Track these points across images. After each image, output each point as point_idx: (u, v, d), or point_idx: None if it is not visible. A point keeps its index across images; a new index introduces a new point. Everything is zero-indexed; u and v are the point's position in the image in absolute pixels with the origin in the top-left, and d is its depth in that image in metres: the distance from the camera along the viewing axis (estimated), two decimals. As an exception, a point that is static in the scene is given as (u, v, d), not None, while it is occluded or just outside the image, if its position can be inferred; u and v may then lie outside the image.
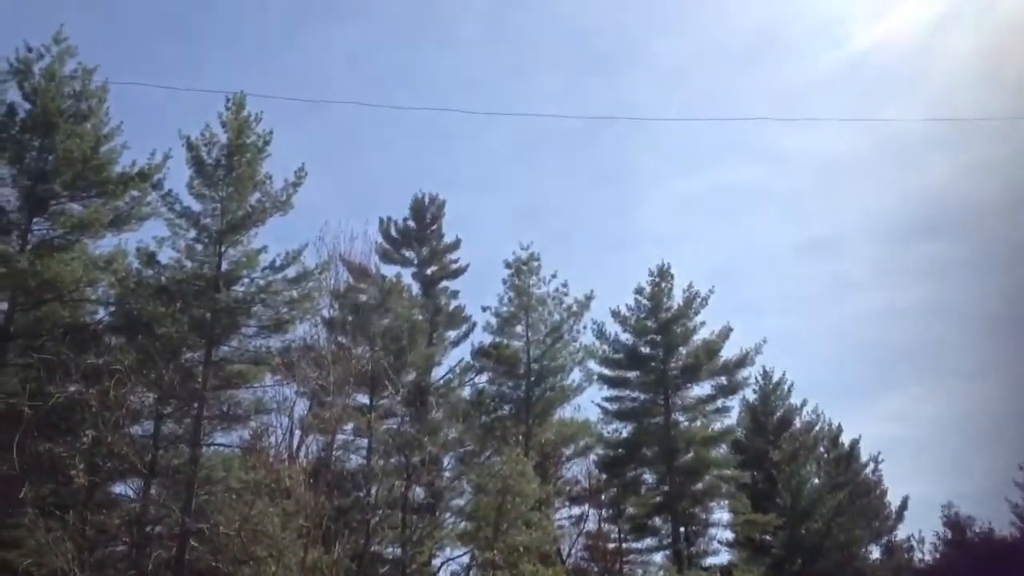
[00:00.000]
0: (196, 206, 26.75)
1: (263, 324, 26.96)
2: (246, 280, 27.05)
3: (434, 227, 37.48)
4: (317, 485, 24.72)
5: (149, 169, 26.31)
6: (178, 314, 25.46)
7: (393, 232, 37.59)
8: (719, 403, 42.34)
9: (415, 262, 37.30)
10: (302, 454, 28.10)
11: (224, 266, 26.66)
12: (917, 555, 43.00)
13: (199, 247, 26.72)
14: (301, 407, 28.57)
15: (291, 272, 26.97)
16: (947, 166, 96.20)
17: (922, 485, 78.27)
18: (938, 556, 41.23)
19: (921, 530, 53.91)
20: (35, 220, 25.75)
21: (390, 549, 29.50)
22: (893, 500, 48.87)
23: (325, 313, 30.68)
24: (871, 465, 49.36)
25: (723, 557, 43.22)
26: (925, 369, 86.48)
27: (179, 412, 26.60)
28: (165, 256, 26.51)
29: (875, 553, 44.26)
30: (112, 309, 26.56)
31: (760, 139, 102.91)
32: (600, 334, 40.64)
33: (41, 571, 22.83)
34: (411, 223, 37.62)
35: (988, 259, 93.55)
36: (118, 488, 27.42)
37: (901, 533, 47.00)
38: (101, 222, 25.95)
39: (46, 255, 24.66)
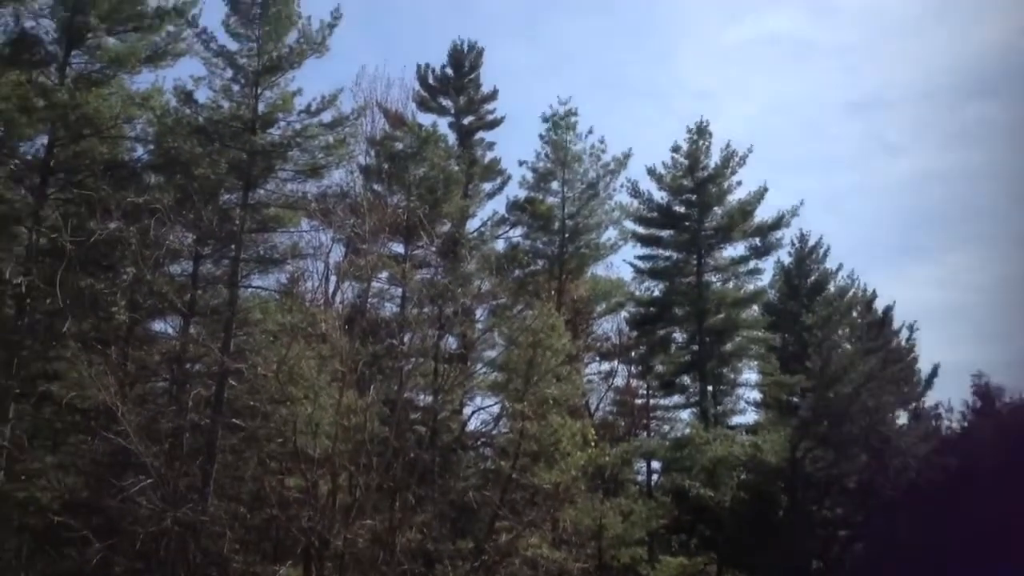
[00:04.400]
0: (232, 45, 26.33)
1: (299, 168, 26.79)
2: (282, 123, 26.75)
3: (472, 76, 36.59)
4: (352, 331, 25.00)
5: (184, 4, 25.87)
6: (215, 155, 25.41)
7: (431, 80, 36.81)
8: (752, 264, 42.28)
9: (452, 111, 36.63)
10: (337, 300, 28.47)
11: (260, 108, 26.32)
12: (945, 423, 42.99)
13: (235, 87, 26.40)
14: (336, 253, 28.75)
15: (327, 117, 26.71)
16: (1008, 22, 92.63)
17: (954, 352, 77.78)
18: (965, 424, 41.28)
19: (950, 398, 54.03)
20: (73, 53, 25.40)
21: (422, 396, 29.99)
22: (924, 367, 48.66)
23: (361, 160, 30.45)
24: (905, 332, 49.06)
25: (750, 417, 43.87)
26: (964, 235, 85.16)
27: (217, 253, 26.71)
28: (202, 96, 26.27)
29: (902, 419, 44.34)
30: (151, 147, 26.44)
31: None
32: (635, 192, 40.29)
33: (84, 403, 23.49)
34: (449, 71, 36.77)
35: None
36: (157, 326, 27.93)
37: (930, 400, 46.93)
38: (137, 57, 25.62)
39: (84, 89, 24.44)
